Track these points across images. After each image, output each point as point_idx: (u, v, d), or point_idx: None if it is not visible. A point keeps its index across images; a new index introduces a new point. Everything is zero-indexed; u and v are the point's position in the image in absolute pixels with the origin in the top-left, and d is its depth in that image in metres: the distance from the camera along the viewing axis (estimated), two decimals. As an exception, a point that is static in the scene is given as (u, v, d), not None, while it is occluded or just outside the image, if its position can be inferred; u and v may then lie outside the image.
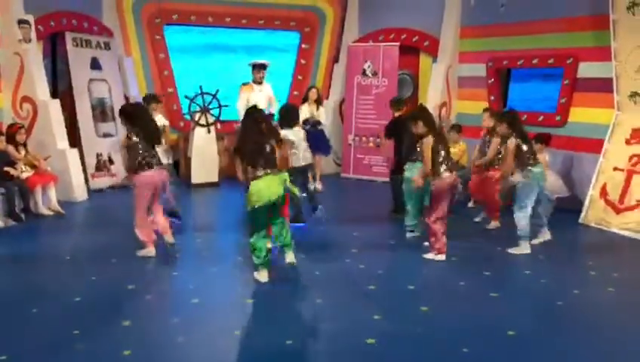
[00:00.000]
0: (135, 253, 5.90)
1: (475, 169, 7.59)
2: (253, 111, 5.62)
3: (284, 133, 6.79)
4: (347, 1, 11.47)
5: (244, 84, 8.86)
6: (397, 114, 7.88)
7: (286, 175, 5.33)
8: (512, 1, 9.19)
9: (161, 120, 7.18)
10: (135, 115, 5.87)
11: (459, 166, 8.64)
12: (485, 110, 7.97)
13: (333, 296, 5.03)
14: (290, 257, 5.49)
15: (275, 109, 8.70)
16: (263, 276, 5.32)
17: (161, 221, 5.97)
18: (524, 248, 6.29)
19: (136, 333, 4.19)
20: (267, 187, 5.14)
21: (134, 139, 5.73)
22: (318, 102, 10.11)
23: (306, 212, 7.28)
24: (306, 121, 9.70)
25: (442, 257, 6.02)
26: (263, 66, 8.91)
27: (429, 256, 6.06)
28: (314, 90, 10.12)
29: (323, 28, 11.53)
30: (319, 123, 9.86)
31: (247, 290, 5.13)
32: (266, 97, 8.85)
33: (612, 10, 7.39)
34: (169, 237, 5.96)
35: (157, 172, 5.79)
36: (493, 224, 7.40)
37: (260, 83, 8.85)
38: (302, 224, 7.14)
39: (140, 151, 5.70)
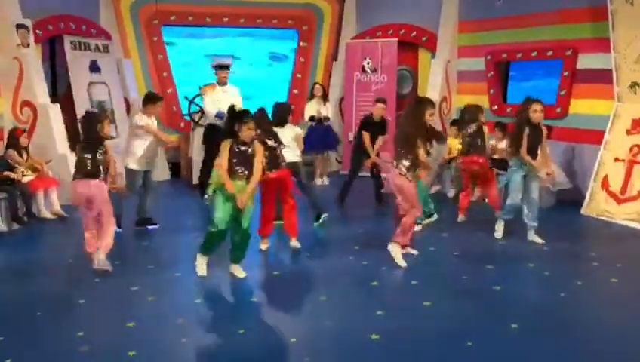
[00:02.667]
0: (137, 256, 5.91)
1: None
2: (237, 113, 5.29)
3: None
4: (344, -1, 11.48)
5: (206, 85, 8.46)
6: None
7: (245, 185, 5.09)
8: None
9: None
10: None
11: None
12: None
13: (336, 293, 5.04)
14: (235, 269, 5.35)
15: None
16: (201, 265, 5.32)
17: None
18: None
19: (140, 334, 4.19)
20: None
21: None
22: (324, 97, 10.13)
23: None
24: (312, 118, 9.79)
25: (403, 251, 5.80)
26: (226, 67, 8.50)
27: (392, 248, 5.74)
28: (318, 87, 10.13)
29: (321, 25, 11.54)
30: (327, 119, 9.90)
31: (250, 289, 5.14)
32: (230, 99, 8.20)
33: (610, 1, 7.36)
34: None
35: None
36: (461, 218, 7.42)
37: (224, 84, 8.37)
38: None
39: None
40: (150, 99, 6.95)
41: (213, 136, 7.92)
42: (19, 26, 8.19)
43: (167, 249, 6.43)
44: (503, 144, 8.71)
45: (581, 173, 8.23)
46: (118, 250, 6.15)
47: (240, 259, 5.39)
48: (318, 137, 9.55)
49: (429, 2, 10.34)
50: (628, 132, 7.54)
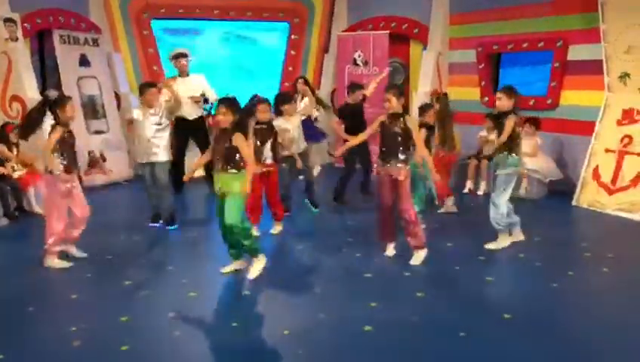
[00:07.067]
0: (130, 251, 5.88)
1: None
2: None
3: (278, 122, 6.67)
4: (335, -9, 11.43)
5: (167, 79, 8.18)
6: (349, 100, 7.85)
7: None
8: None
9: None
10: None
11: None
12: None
13: (330, 285, 5.05)
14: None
15: (212, 99, 8.39)
16: (263, 260, 5.24)
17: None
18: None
19: (133, 329, 4.19)
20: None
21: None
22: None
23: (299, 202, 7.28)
24: None
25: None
26: (182, 55, 8.26)
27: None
28: (300, 81, 10.10)
29: (312, 18, 11.49)
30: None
31: (242, 282, 5.13)
32: (192, 89, 8.20)
33: (600, -8, 7.40)
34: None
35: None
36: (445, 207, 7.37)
37: (185, 74, 8.22)
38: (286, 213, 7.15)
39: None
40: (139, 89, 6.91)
41: (183, 130, 8.03)
42: (7, 20, 8.12)
43: (159, 243, 6.41)
44: (494, 136, 8.72)
45: (572, 164, 8.28)
46: (110, 244, 6.15)
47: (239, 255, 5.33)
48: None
49: (419, -6, 10.32)
50: (618, 122, 7.58)
